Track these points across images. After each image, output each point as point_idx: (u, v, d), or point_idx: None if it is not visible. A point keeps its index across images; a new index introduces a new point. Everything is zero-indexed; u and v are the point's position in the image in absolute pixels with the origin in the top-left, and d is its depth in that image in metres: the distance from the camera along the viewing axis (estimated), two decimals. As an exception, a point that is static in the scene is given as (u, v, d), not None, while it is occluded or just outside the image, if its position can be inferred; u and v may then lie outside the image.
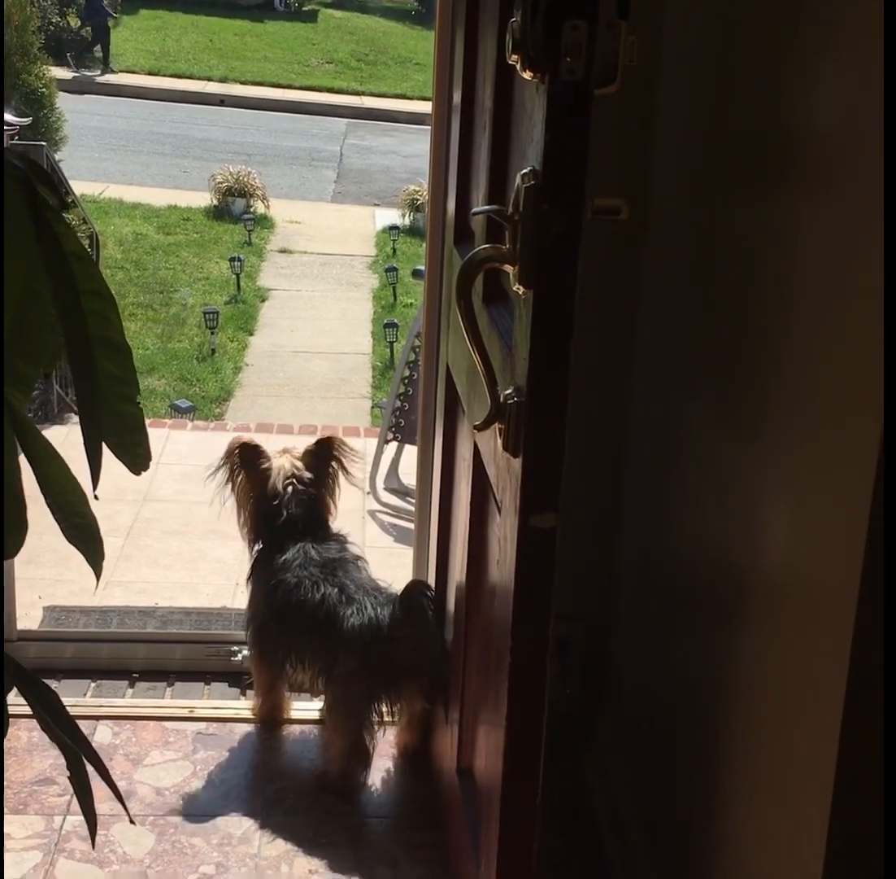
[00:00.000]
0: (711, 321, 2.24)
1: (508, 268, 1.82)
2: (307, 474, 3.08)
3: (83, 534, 1.24)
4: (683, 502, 2.40)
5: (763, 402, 1.96)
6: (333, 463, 3.12)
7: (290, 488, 3.06)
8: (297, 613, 2.95)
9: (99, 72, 18.53)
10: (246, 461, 3.07)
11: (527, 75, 1.73)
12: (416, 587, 2.93)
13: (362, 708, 2.89)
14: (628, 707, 2.83)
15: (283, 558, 2.99)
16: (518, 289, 1.79)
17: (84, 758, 1.21)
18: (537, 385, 1.79)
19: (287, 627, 2.99)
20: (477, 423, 1.94)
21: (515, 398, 1.84)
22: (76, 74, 17.96)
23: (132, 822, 1.46)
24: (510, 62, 1.76)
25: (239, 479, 3.08)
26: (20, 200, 1.10)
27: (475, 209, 2.12)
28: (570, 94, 1.66)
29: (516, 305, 1.86)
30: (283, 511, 3.04)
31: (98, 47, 19.05)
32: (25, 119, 5.68)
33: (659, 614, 2.60)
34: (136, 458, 1.29)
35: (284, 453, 3.13)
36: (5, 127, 2.75)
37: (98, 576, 1.27)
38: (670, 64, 2.48)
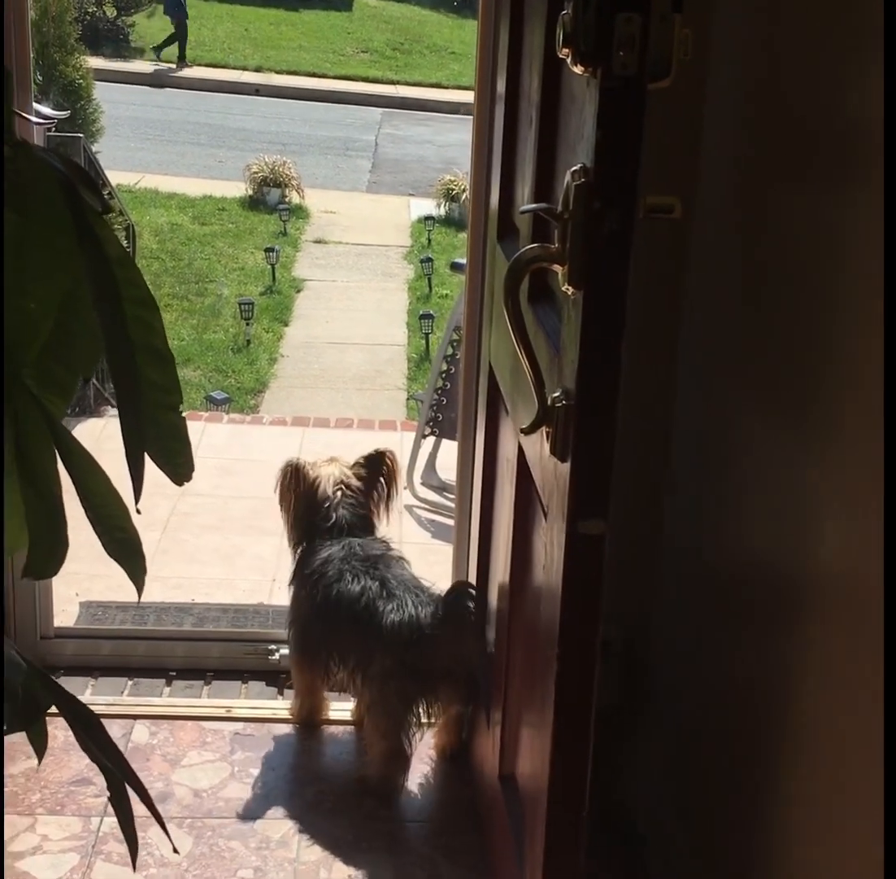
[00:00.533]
0: (761, 318, 2.19)
1: (557, 268, 1.77)
2: (355, 482, 3.11)
3: (124, 549, 1.21)
4: (730, 503, 2.35)
5: (816, 401, 1.91)
6: (382, 478, 3.14)
7: (339, 493, 3.08)
8: (337, 606, 2.93)
9: (173, 65, 18.69)
10: (298, 481, 3.09)
11: (578, 70, 1.68)
12: (460, 588, 2.89)
13: (400, 709, 2.86)
14: (668, 709, 2.78)
15: (327, 553, 3.00)
16: (567, 289, 1.75)
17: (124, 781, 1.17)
18: (587, 388, 1.74)
19: (327, 622, 2.97)
20: (523, 426, 1.90)
21: (563, 401, 1.80)
22: (157, 67, 18.20)
23: (166, 832, 1.42)
24: (560, 56, 1.71)
25: (292, 497, 3.10)
26: (61, 204, 1.07)
27: (523, 207, 2.07)
28: (624, 89, 1.61)
29: (564, 305, 1.81)
30: (332, 514, 3.06)
31: (132, 35, 19.06)
32: (63, 112, 5.66)
33: (701, 615, 2.56)
34: (178, 467, 1.26)
35: (333, 462, 3.15)
36: (43, 120, 2.73)
37: (140, 591, 1.24)
38: (719, 55, 2.42)
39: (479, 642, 2.83)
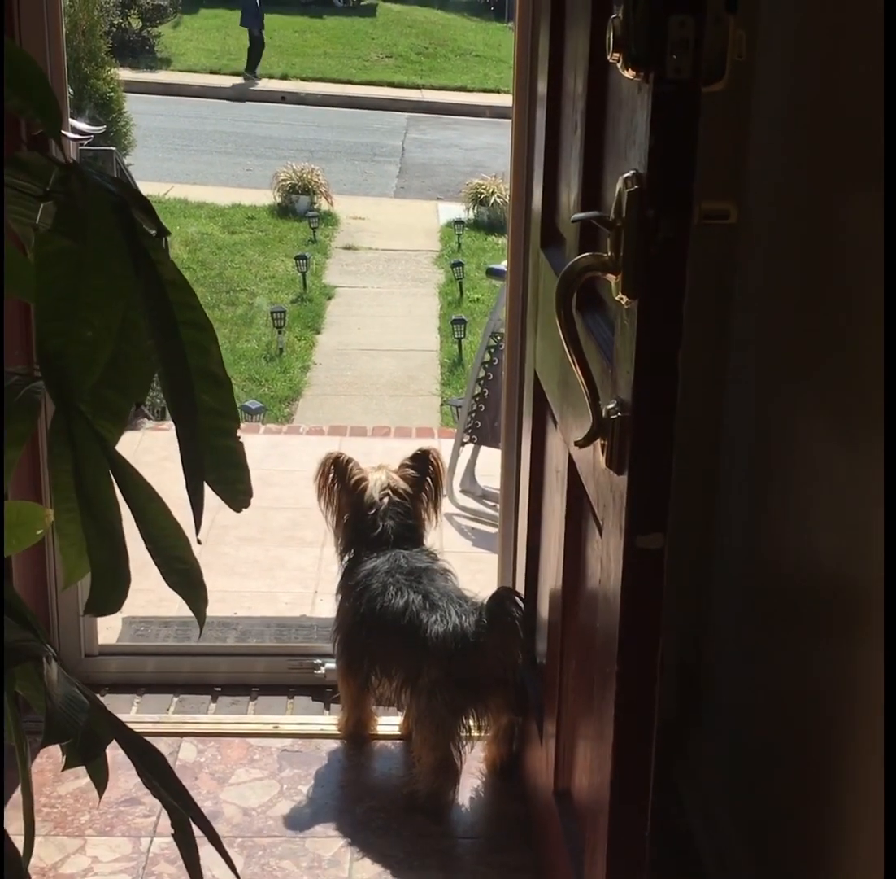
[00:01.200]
0: (816, 322, 2.15)
1: (610, 277, 1.73)
2: (403, 486, 3.08)
3: (184, 580, 1.18)
4: (787, 511, 2.31)
5: (877, 404, 1.86)
6: (429, 477, 3.12)
7: (385, 500, 3.05)
8: (381, 619, 2.91)
9: (252, 78, 18.80)
10: (339, 474, 3.07)
11: (629, 74, 1.64)
12: (503, 594, 2.85)
13: (449, 721, 2.82)
14: (724, 721, 2.74)
15: (373, 565, 2.98)
16: (621, 298, 1.71)
17: (191, 819, 1.14)
18: (643, 400, 1.70)
19: (371, 634, 2.95)
20: (577, 439, 1.86)
21: (619, 413, 1.76)
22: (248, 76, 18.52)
23: (228, 860, 1.39)
24: (610, 60, 1.68)
25: (334, 491, 3.07)
26: (116, 227, 1.04)
27: (575, 216, 2.03)
28: (677, 93, 1.57)
29: (618, 315, 1.78)
30: (379, 524, 3.03)
31: (158, 46, 19.15)
32: (99, 127, 5.67)
33: (757, 625, 2.51)
34: (237, 494, 1.23)
35: (381, 469, 3.13)
36: (80, 135, 2.71)
37: (201, 624, 1.21)
38: (768, 53, 2.38)
39: (525, 648, 2.80)
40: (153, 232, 1.09)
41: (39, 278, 1.02)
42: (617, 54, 1.65)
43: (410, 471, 3.11)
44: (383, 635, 2.92)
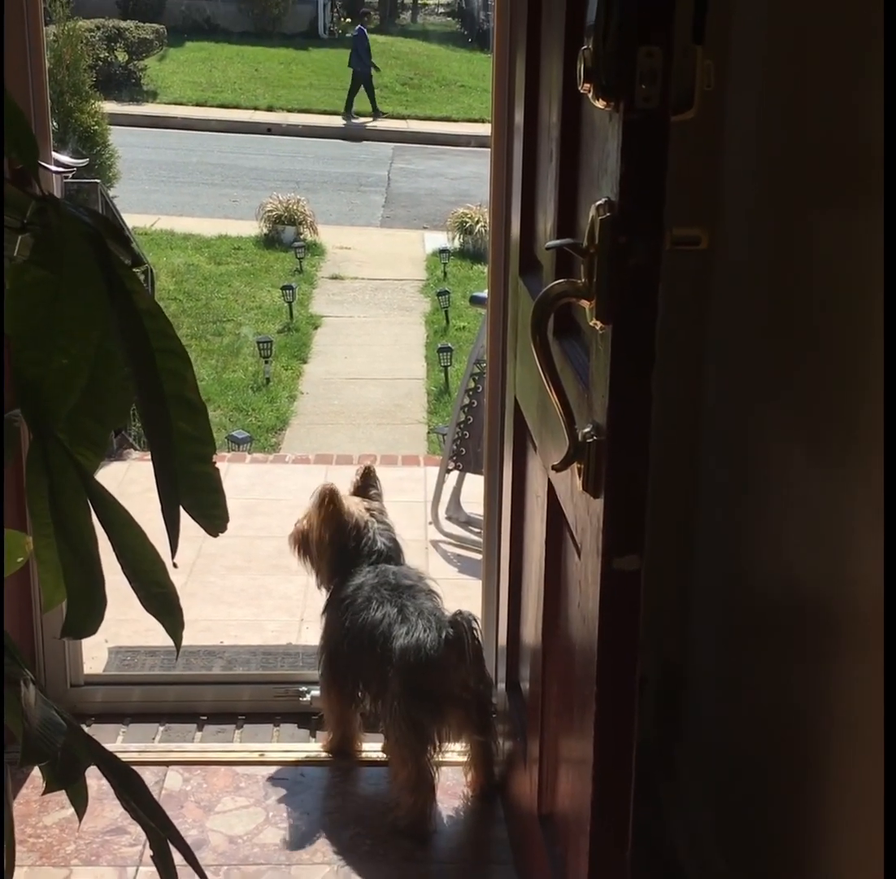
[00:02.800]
0: (790, 344, 2.17)
1: (584, 303, 1.76)
2: (379, 505, 3.15)
3: (162, 605, 1.19)
4: (764, 530, 2.33)
5: (850, 425, 1.89)
6: (373, 489, 3.20)
7: (373, 520, 3.11)
8: (361, 633, 2.95)
9: (371, 118, 19.04)
10: (336, 504, 3.11)
11: (600, 104, 1.67)
12: (460, 617, 2.86)
13: (410, 735, 2.84)
14: (706, 741, 2.75)
15: (363, 579, 3.03)
16: (595, 324, 1.73)
17: (168, 839, 1.16)
18: (618, 424, 1.73)
19: (353, 649, 2.99)
20: (555, 464, 1.88)
21: (594, 437, 1.78)
22: (351, 121, 18.90)
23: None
24: (581, 91, 1.71)
25: (325, 521, 3.11)
26: (91, 258, 1.06)
27: (548, 243, 2.06)
28: (647, 122, 1.60)
29: (592, 340, 1.80)
30: (370, 541, 3.09)
31: (144, 79, 19.28)
32: (82, 161, 5.70)
33: (738, 643, 2.53)
34: (214, 520, 1.24)
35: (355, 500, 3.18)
36: (62, 169, 2.74)
37: (178, 647, 1.22)
38: (739, 82, 2.41)
39: (481, 670, 2.85)
40: (128, 262, 1.11)
41: (15, 308, 1.04)
42: (588, 85, 1.68)
43: (373, 490, 3.19)
44: (363, 647, 2.95)
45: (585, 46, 1.68)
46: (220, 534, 1.27)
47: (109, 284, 1.08)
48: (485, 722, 2.89)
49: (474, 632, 2.82)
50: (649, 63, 1.58)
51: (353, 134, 18.46)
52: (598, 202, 1.69)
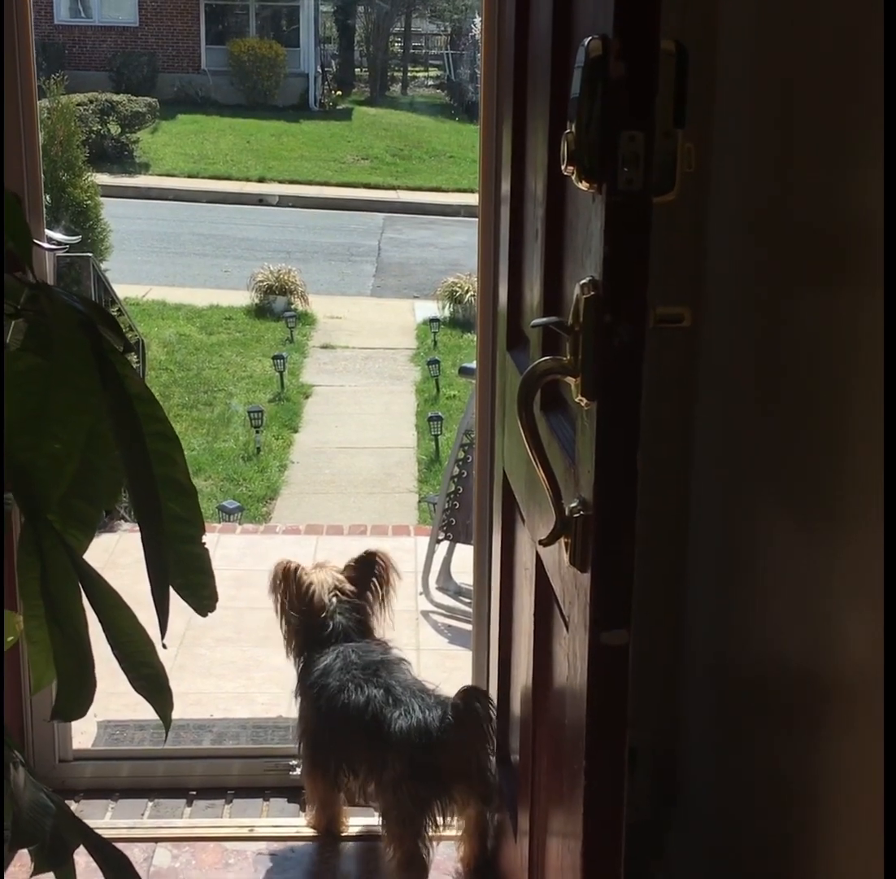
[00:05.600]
0: (777, 421, 2.20)
1: (570, 379, 1.78)
2: (348, 586, 3.11)
3: (151, 684, 1.20)
4: (754, 606, 2.34)
5: (836, 501, 1.90)
6: (375, 578, 3.15)
7: (334, 600, 3.08)
8: (343, 717, 2.92)
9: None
10: (289, 582, 3.10)
11: (583, 186, 1.71)
12: (471, 693, 2.86)
13: (414, 815, 2.82)
14: (698, 816, 2.74)
15: (325, 663, 2.99)
16: (580, 400, 1.76)
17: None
18: (604, 499, 1.74)
19: (335, 733, 2.96)
20: (542, 538, 1.89)
21: (581, 511, 1.79)
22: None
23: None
24: (565, 173, 1.74)
25: (287, 598, 3.11)
26: (84, 344, 1.08)
27: (534, 321, 2.09)
28: (630, 204, 1.63)
29: (578, 416, 1.82)
30: (328, 622, 3.06)
31: (137, 151, 19.50)
32: (75, 238, 5.76)
33: (729, 719, 2.53)
34: (202, 600, 1.26)
35: (323, 568, 3.16)
36: (55, 246, 2.77)
37: (167, 728, 1.23)
38: (721, 163, 2.46)
39: (492, 745, 2.82)
40: (120, 348, 1.14)
41: (9, 395, 1.06)
42: (571, 167, 1.71)
43: (355, 573, 3.14)
44: (347, 732, 2.93)
45: (568, 130, 1.72)
46: (210, 613, 1.28)
47: (101, 369, 1.10)
48: (488, 792, 2.87)
49: (487, 703, 2.82)
50: (631, 147, 1.62)
51: (344, 204, 18.62)
52: (583, 281, 1.71)
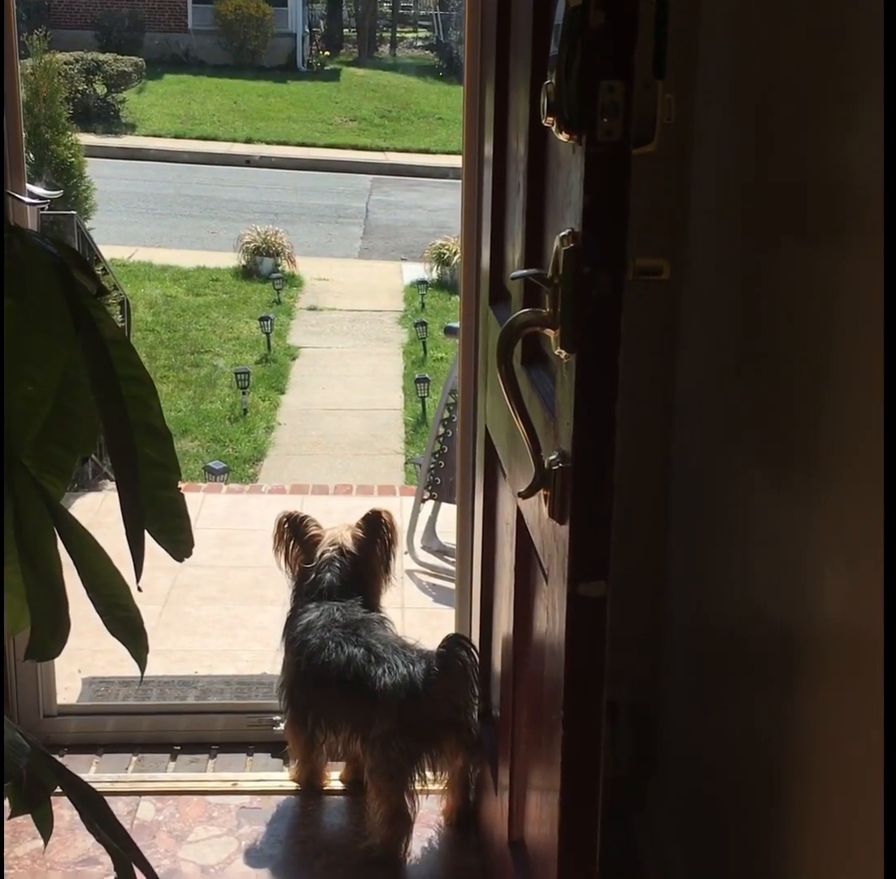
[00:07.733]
0: (757, 376, 2.20)
1: (549, 332, 1.78)
2: (347, 544, 3.11)
3: (126, 628, 1.21)
4: (732, 560, 2.35)
5: (816, 453, 1.91)
6: (380, 538, 3.15)
7: (326, 555, 3.08)
8: (323, 676, 2.93)
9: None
10: (295, 532, 3.11)
11: (563, 137, 1.70)
12: (454, 639, 2.88)
13: (403, 770, 2.85)
14: (678, 770, 2.76)
15: (308, 619, 3.00)
16: (560, 353, 1.76)
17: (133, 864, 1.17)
18: (583, 451, 1.75)
19: (314, 690, 2.98)
20: (521, 490, 1.90)
21: (560, 464, 1.80)
22: None
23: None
24: (545, 124, 1.74)
25: (291, 548, 3.13)
26: (57, 287, 1.08)
27: (514, 273, 2.09)
28: (609, 155, 1.63)
29: (558, 368, 1.82)
30: (317, 577, 3.07)
31: (123, 111, 19.37)
32: (56, 192, 5.73)
33: (708, 673, 2.55)
34: (179, 544, 1.26)
35: (345, 526, 3.17)
36: (36, 200, 2.76)
37: (142, 669, 1.23)
38: (704, 117, 2.46)
39: (476, 693, 2.84)
40: (94, 291, 1.13)
41: (-19, 337, 1.06)
42: (551, 118, 1.71)
43: (362, 533, 3.14)
44: (328, 690, 2.94)
45: (548, 80, 1.71)
46: (186, 559, 1.29)
47: (75, 313, 1.10)
48: (474, 745, 2.88)
49: (471, 650, 2.83)
50: (611, 97, 1.61)
51: (332, 166, 18.52)
52: (563, 233, 1.71)
